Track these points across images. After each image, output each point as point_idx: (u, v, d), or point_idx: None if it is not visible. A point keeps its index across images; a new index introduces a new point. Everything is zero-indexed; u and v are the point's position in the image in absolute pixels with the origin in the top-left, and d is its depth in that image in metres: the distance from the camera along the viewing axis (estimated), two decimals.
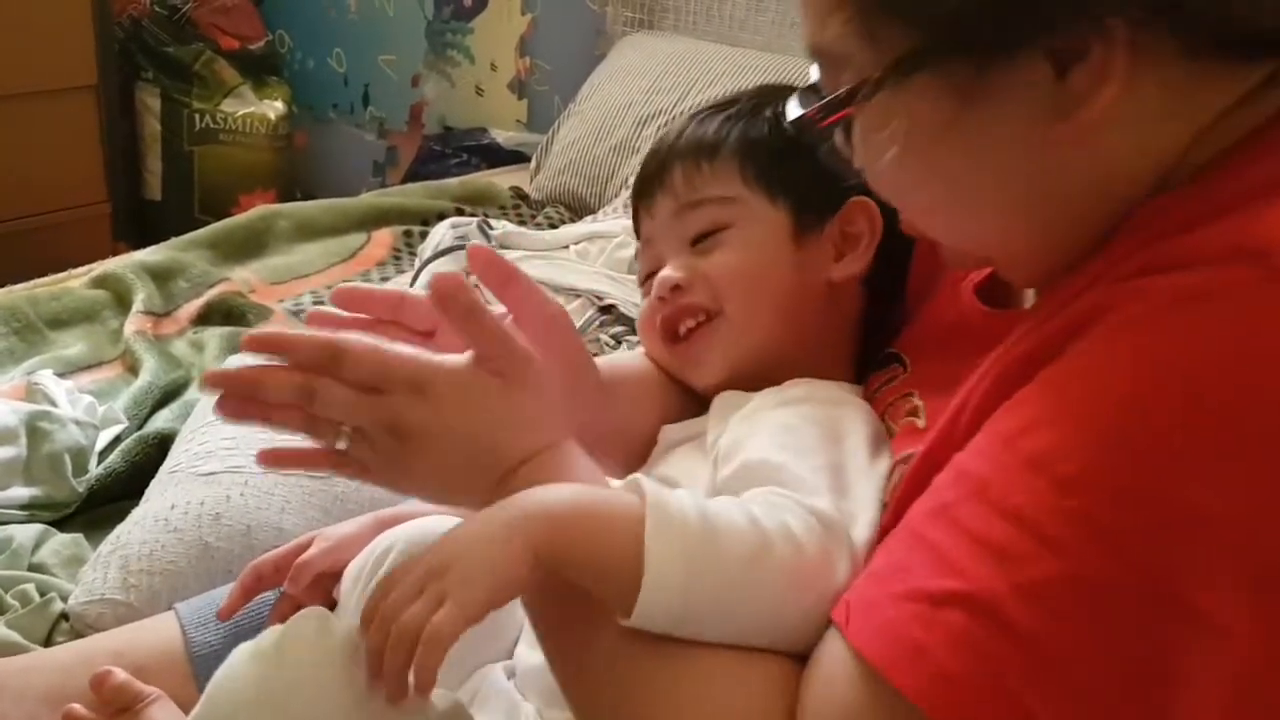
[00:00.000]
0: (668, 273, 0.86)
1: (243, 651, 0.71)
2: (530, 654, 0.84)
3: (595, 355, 0.87)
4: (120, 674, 0.86)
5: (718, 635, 0.60)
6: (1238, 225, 0.50)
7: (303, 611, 0.72)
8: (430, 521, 0.92)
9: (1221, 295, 0.48)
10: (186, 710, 0.92)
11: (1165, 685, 0.47)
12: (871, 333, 0.89)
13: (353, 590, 0.90)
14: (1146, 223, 0.55)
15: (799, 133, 0.64)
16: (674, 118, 2.23)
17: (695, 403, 0.88)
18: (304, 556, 0.95)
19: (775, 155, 0.85)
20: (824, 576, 0.61)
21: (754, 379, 0.82)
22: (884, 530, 0.64)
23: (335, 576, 0.93)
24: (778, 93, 0.88)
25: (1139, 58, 0.52)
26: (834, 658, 0.55)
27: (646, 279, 0.90)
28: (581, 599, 0.62)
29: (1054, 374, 0.52)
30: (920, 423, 0.73)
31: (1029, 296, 0.72)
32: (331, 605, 0.91)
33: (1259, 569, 0.46)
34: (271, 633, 0.71)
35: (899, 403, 0.77)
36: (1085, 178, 0.57)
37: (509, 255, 1.73)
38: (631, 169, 2.21)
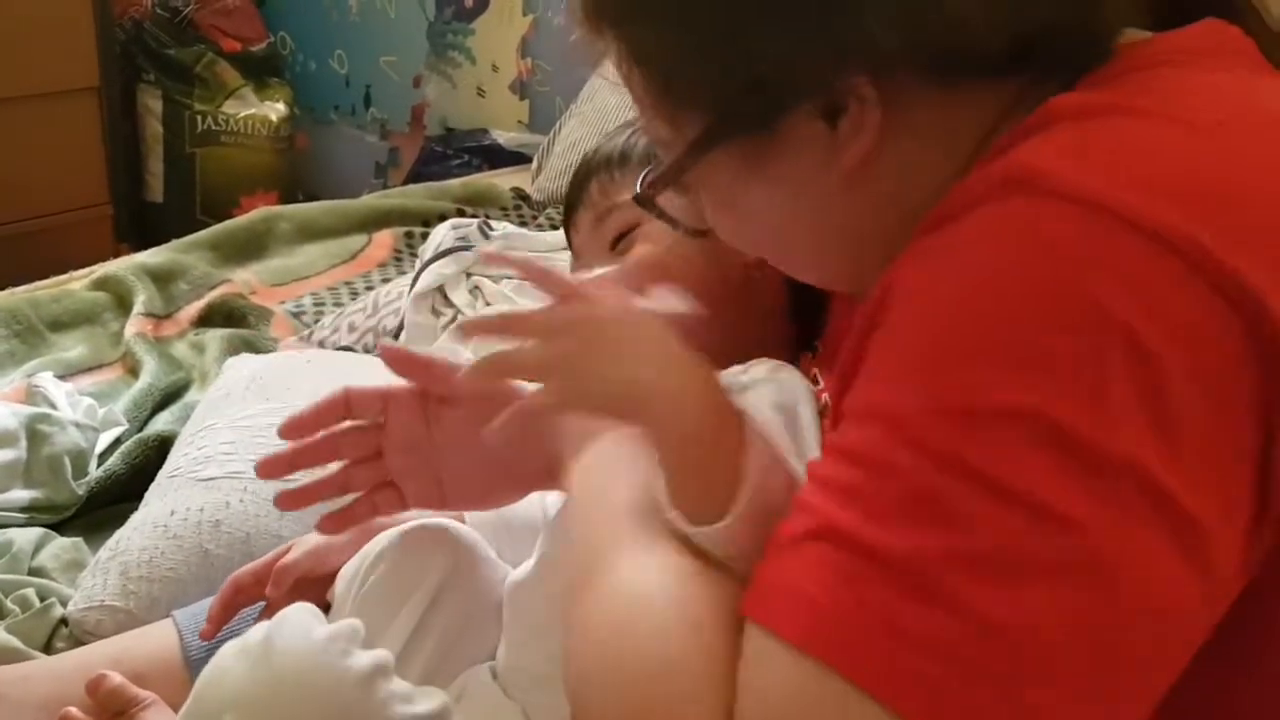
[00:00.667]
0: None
1: (230, 648, 0.71)
2: (508, 655, 0.85)
3: None
4: (115, 677, 0.86)
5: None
6: (1004, 163, 0.53)
7: (290, 607, 0.72)
8: (435, 530, 0.91)
9: (983, 220, 0.52)
10: None
11: (1036, 583, 0.47)
12: (801, 320, 0.90)
13: (347, 591, 0.89)
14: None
15: (646, 208, 0.71)
16: None
17: None
18: (284, 561, 0.95)
19: None
20: None
21: None
22: None
23: (317, 581, 0.93)
24: None
25: (898, 99, 0.59)
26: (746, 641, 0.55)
27: None
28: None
29: (874, 341, 0.55)
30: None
31: None
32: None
33: (1081, 458, 0.47)
34: (259, 629, 0.71)
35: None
36: (874, 212, 0.63)
37: (512, 256, 1.73)
38: None
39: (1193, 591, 0.49)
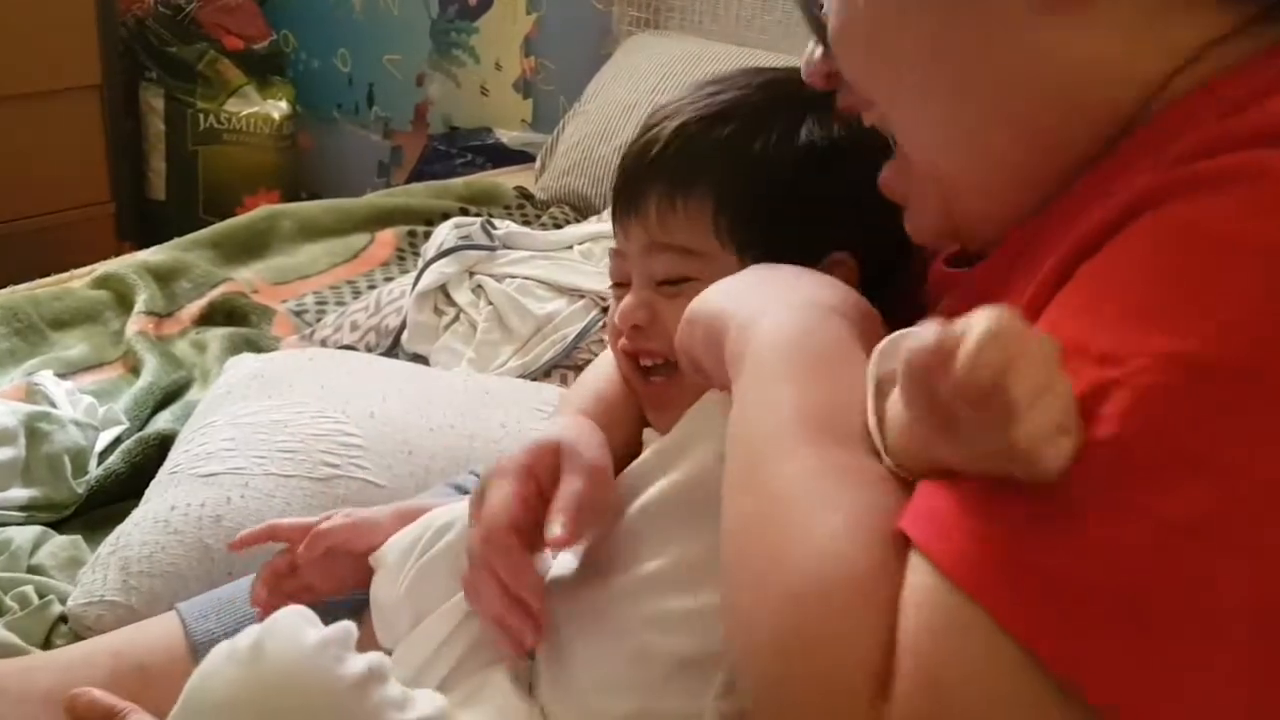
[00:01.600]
0: (629, 308, 0.83)
1: (220, 651, 0.70)
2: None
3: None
4: (91, 692, 0.84)
5: None
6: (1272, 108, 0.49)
7: (281, 611, 0.71)
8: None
9: (1260, 174, 0.47)
10: None
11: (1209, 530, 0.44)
12: None
13: (403, 560, 0.86)
14: (1166, 123, 0.54)
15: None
16: None
17: None
18: (324, 525, 0.91)
19: (753, 207, 0.80)
20: None
21: None
22: None
23: (349, 555, 0.90)
24: (778, 107, 0.83)
25: None
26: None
27: (615, 285, 0.88)
28: None
29: (1099, 266, 0.50)
30: None
31: None
32: (333, 585, 0.90)
33: None
34: (249, 633, 0.70)
35: None
36: (1067, 75, 0.57)
37: (511, 255, 1.73)
38: None
39: None
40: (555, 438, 0.79)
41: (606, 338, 0.91)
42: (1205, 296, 0.46)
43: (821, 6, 0.65)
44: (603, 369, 0.92)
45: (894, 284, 0.83)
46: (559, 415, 0.90)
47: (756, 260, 0.78)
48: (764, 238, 0.80)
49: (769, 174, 0.80)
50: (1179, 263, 0.48)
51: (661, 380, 0.84)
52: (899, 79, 0.62)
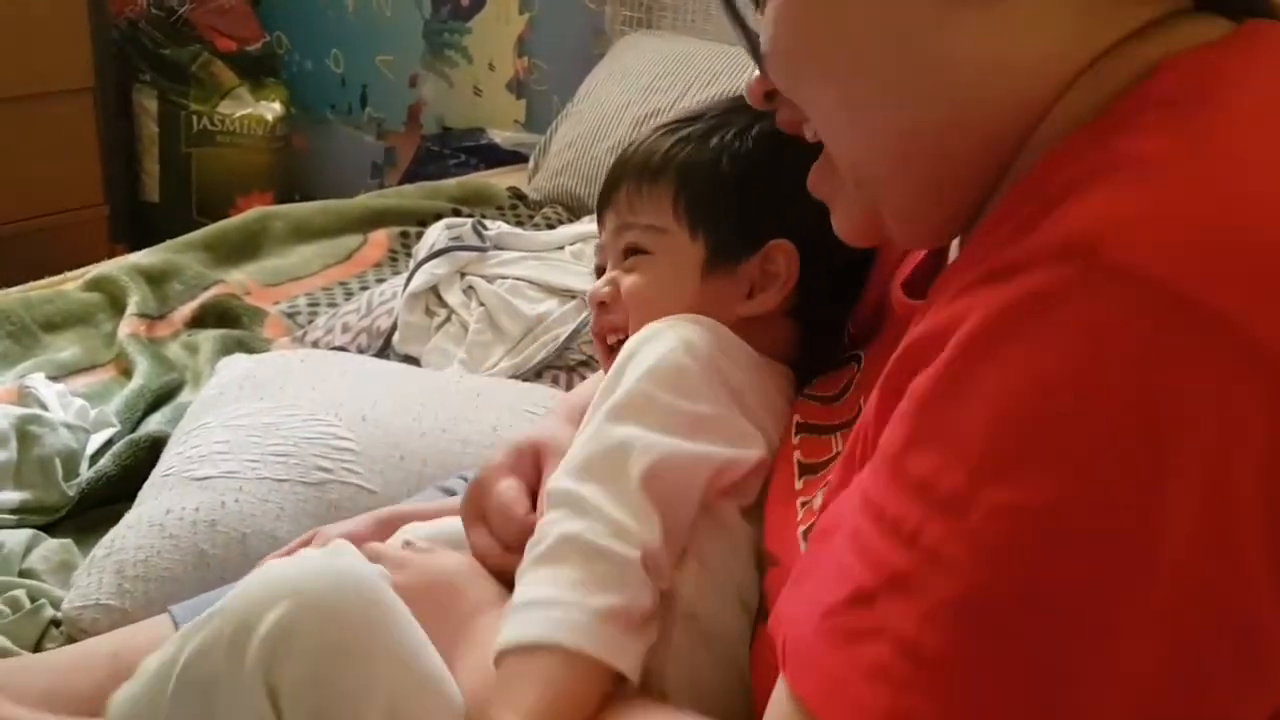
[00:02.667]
0: (597, 286, 0.93)
1: (277, 560, 0.75)
2: None
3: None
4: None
5: None
6: (1074, 212, 0.48)
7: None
8: (447, 523, 0.92)
9: (1051, 300, 0.47)
10: None
11: (1071, 687, 0.46)
12: (813, 360, 0.89)
13: None
14: (1013, 203, 0.54)
15: (726, 7, 0.66)
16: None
17: None
18: (303, 553, 0.94)
19: (708, 190, 0.89)
20: None
21: None
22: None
23: None
24: (740, 116, 0.90)
25: None
26: (779, 698, 0.54)
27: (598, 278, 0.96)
28: None
29: (922, 388, 0.51)
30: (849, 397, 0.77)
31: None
32: None
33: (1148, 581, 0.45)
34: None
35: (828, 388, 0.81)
36: (975, 60, 0.57)
37: (503, 256, 1.73)
38: None
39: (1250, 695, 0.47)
40: (532, 439, 0.88)
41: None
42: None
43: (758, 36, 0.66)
44: (588, 384, 0.99)
45: (851, 281, 0.89)
46: (544, 417, 0.94)
47: (707, 237, 0.88)
48: (711, 220, 0.89)
49: (724, 161, 0.89)
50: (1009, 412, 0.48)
51: (616, 343, 0.90)
52: (824, 89, 0.63)
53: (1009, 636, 0.46)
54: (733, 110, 0.92)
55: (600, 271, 0.95)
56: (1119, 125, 0.51)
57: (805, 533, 0.69)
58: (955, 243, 0.69)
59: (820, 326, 0.90)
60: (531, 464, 0.86)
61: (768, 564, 0.72)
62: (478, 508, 0.85)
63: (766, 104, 0.71)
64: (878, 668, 0.49)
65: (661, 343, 0.79)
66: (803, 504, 0.72)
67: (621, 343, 0.87)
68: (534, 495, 0.83)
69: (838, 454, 0.74)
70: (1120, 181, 0.48)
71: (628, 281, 0.90)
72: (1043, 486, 0.46)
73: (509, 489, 0.84)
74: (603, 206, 0.95)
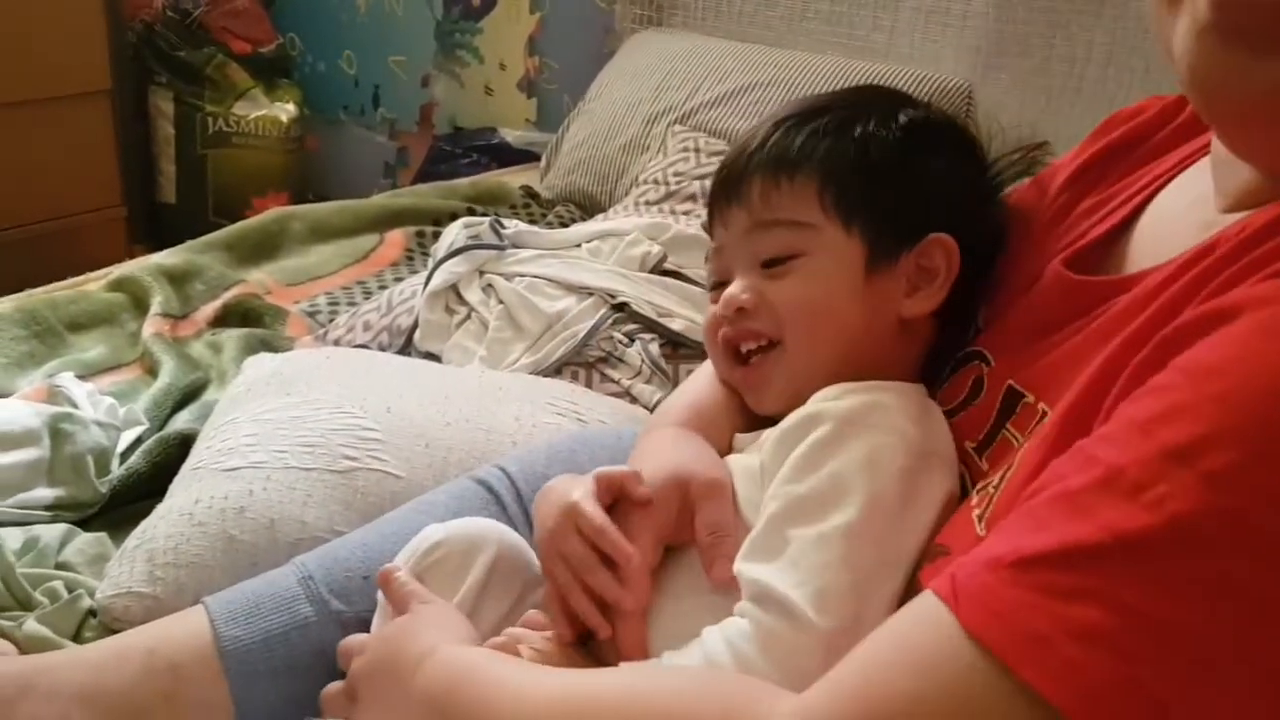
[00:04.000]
0: (734, 292, 0.85)
1: None
2: None
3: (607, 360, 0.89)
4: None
5: None
6: None
7: None
8: (481, 522, 0.94)
9: None
10: (216, 710, 0.95)
11: None
12: (940, 359, 0.87)
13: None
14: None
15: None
16: (684, 115, 2.24)
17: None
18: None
19: (856, 180, 0.83)
20: None
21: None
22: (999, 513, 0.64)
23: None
24: (877, 103, 0.87)
25: None
26: (939, 635, 0.51)
27: (715, 287, 0.89)
28: None
29: (1191, 364, 0.50)
30: (1029, 399, 0.73)
31: (1133, 261, 0.71)
32: None
33: None
34: None
35: (988, 404, 0.77)
36: None
37: (520, 254, 1.75)
38: (641, 166, 2.22)
39: None
40: (681, 474, 0.80)
41: (704, 340, 0.91)
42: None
43: None
44: (692, 385, 0.95)
45: (986, 277, 0.85)
46: (655, 429, 0.91)
47: (864, 231, 0.82)
48: (868, 209, 0.83)
49: (871, 150, 0.83)
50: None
51: (759, 359, 0.86)
52: None
53: (1254, 624, 0.45)
54: (862, 100, 0.88)
55: (721, 280, 0.88)
56: None
57: (980, 516, 0.67)
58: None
59: (963, 325, 0.87)
60: (677, 498, 0.80)
61: (932, 557, 0.70)
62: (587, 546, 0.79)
63: None
64: (1094, 631, 0.47)
65: (876, 436, 0.74)
66: (978, 490, 0.70)
67: (762, 350, 0.84)
68: (674, 529, 0.80)
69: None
70: None
71: (786, 289, 0.83)
72: None
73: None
74: (723, 202, 0.87)
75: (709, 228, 0.91)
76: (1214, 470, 0.46)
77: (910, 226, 0.83)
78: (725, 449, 0.87)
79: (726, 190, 0.87)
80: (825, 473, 0.72)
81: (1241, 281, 0.53)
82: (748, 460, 0.82)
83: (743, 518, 0.78)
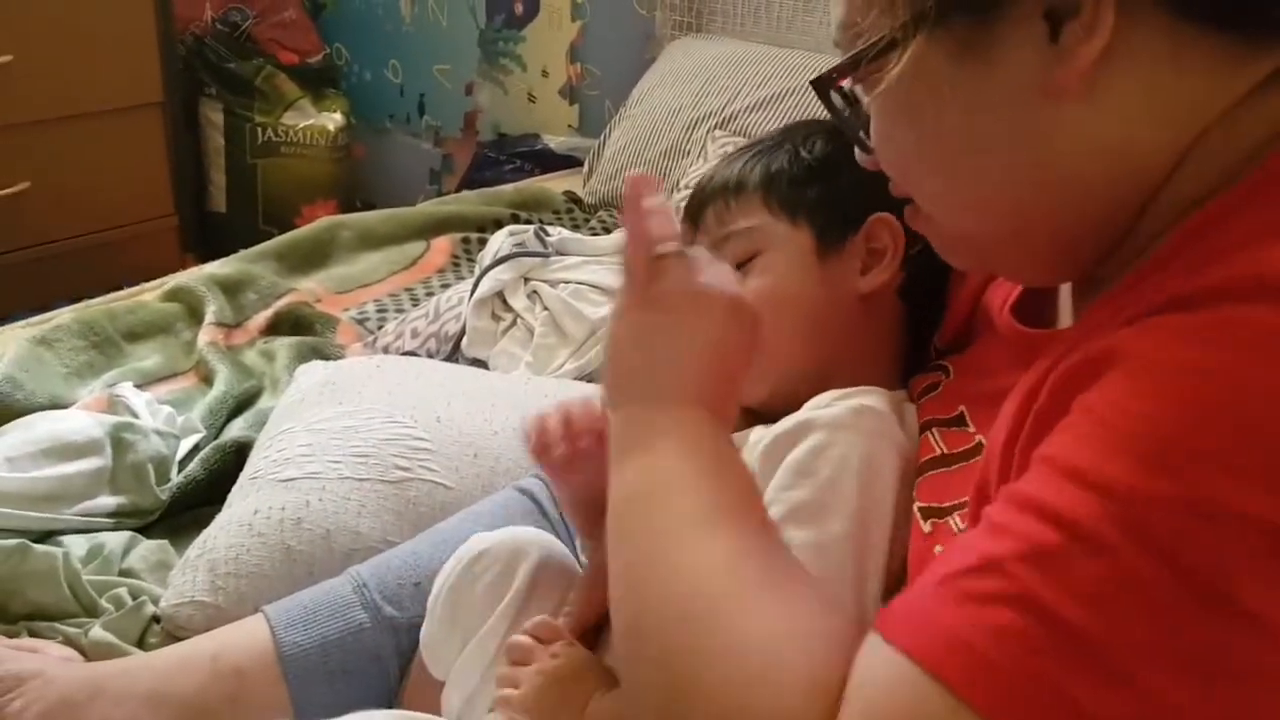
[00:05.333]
0: None
1: None
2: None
3: None
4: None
5: None
6: (1259, 257, 0.51)
7: None
8: (524, 531, 0.97)
9: (1239, 330, 0.49)
10: (277, 712, 0.98)
11: (1225, 684, 0.47)
12: (916, 339, 0.92)
13: (436, 595, 0.95)
14: (1175, 250, 0.56)
15: (819, 93, 0.66)
16: (724, 120, 2.25)
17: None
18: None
19: (794, 182, 0.92)
20: None
21: (796, 393, 0.85)
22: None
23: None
24: (799, 129, 0.95)
25: (1135, 15, 0.55)
26: (872, 658, 0.53)
27: None
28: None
29: (1090, 401, 0.52)
30: (970, 429, 0.76)
31: (1063, 315, 0.73)
32: None
33: None
34: None
35: (942, 410, 0.80)
36: (1087, 143, 0.58)
37: (565, 261, 1.78)
38: (683, 171, 2.23)
39: None
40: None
41: None
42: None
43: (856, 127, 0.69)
44: None
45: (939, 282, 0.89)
46: None
47: (809, 221, 0.89)
48: (808, 202, 0.91)
49: (803, 155, 0.92)
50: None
51: None
52: (932, 182, 0.66)
53: (1159, 618, 0.47)
54: (790, 129, 0.96)
55: None
56: None
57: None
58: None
59: (929, 303, 0.91)
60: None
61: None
62: None
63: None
64: (1009, 630, 0.48)
65: (868, 442, 0.78)
66: (923, 510, 0.74)
67: None
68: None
69: (942, 454, 0.77)
70: None
71: (750, 285, 0.89)
72: (1209, 481, 0.47)
73: None
74: (688, 241, 0.92)
75: None
76: (1106, 481, 0.49)
77: (852, 211, 0.90)
78: None
79: (688, 224, 0.96)
80: (821, 479, 0.76)
81: (1112, 327, 0.55)
82: None
83: None
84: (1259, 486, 0.47)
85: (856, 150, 0.71)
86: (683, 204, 0.98)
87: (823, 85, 0.66)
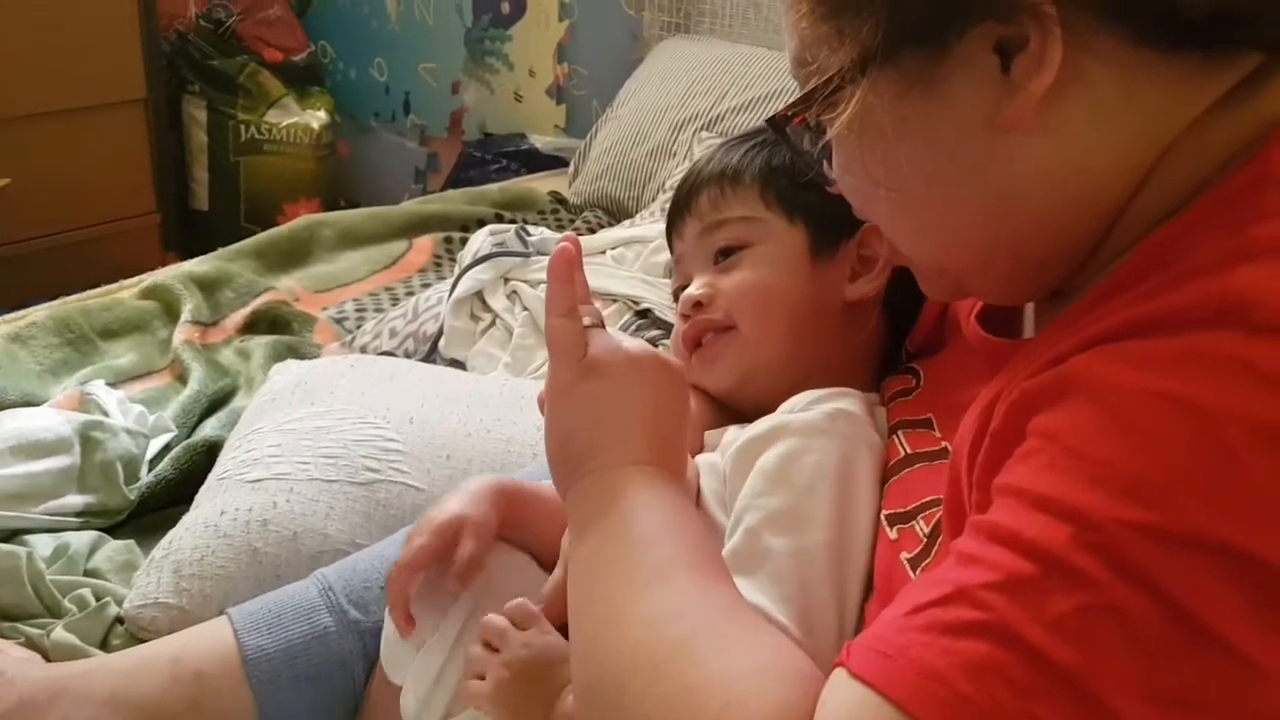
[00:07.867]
0: (690, 291, 0.91)
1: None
2: None
3: None
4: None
5: None
6: (1219, 281, 0.50)
7: None
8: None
9: (1203, 358, 0.49)
10: (240, 717, 0.96)
11: (1206, 717, 0.47)
12: (892, 349, 0.92)
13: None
14: (1137, 270, 0.55)
15: (776, 132, 0.67)
16: (710, 121, 2.24)
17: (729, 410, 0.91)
18: (464, 553, 0.88)
19: (795, 180, 0.90)
20: None
21: (768, 391, 0.84)
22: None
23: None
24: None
25: (1085, 44, 0.55)
26: (837, 694, 0.52)
27: (678, 296, 0.95)
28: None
29: (1051, 428, 0.52)
30: (936, 434, 0.76)
31: (1028, 324, 0.73)
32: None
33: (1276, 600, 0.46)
34: None
35: (911, 414, 0.80)
36: (1045, 173, 0.58)
37: (545, 261, 1.76)
38: (669, 172, 2.22)
39: None
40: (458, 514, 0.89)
41: (671, 346, 0.97)
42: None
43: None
44: None
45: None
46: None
47: (806, 221, 0.89)
48: (808, 202, 0.90)
49: (804, 157, 0.87)
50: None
51: (711, 339, 0.91)
52: (893, 217, 0.66)
53: (1139, 650, 0.46)
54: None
55: (681, 290, 0.94)
56: (1245, 210, 0.52)
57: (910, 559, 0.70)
58: None
59: (910, 314, 0.91)
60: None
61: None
62: None
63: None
64: (985, 663, 0.47)
65: (844, 446, 0.78)
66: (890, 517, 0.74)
67: (717, 335, 0.88)
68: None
69: (906, 455, 0.76)
70: (1263, 265, 0.50)
71: (736, 276, 0.90)
72: (1176, 505, 0.47)
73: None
74: (677, 218, 0.95)
75: (669, 247, 0.99)
76: (1078, 510, 0.48)
77: (849, 216, 0.87)
78: (697, 448, 0.90)
79: (679, 206, 0.95)
80: (799, 487, 0.75)
81: (1068, 352, 0.54)
82: (714, 458, 0.85)
83: (709, 513, 0.80)
84: (1238, 518, 0.46)
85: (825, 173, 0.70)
86: (672, 189, 0.97)
87: (778, 124, 0.66)
